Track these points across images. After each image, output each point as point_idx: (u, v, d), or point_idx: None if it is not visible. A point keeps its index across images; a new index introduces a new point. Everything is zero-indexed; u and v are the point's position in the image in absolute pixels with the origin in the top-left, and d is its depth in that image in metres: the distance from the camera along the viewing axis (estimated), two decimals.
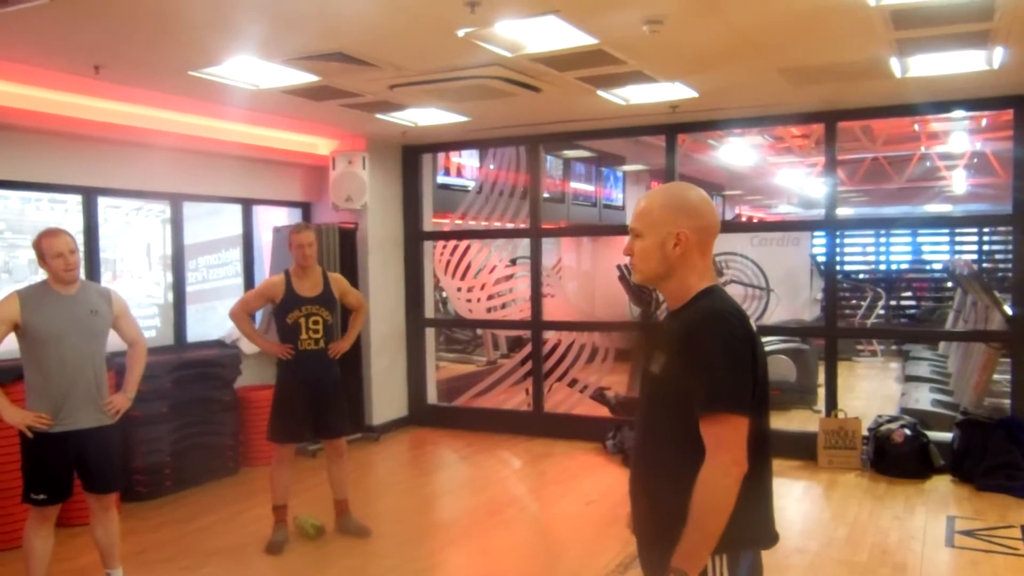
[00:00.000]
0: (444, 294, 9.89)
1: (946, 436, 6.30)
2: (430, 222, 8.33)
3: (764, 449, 1.91)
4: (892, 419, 6.47)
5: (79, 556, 4.56)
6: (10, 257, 5.56)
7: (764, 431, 1.91)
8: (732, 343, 1.85)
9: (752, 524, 1.91)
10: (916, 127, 11.94)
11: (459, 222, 8.80)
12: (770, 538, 1.98)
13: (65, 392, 3.70)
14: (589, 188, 13.76)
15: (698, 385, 1.83)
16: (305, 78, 4.98)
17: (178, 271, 6.69)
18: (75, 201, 5.90)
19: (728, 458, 1.78)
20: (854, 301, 14.98)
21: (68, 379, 3.71)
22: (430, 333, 8.35)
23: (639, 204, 2.04)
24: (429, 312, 8.34)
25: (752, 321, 1.96)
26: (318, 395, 4.82)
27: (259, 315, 6.07)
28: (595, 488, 6.05)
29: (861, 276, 16.91)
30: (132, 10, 3.72)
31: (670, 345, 1.95)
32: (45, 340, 3.66)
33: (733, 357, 1.84)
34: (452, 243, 8.61)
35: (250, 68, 4.77)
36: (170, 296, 6.68)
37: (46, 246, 3.71)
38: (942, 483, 5.98)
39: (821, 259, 12.52)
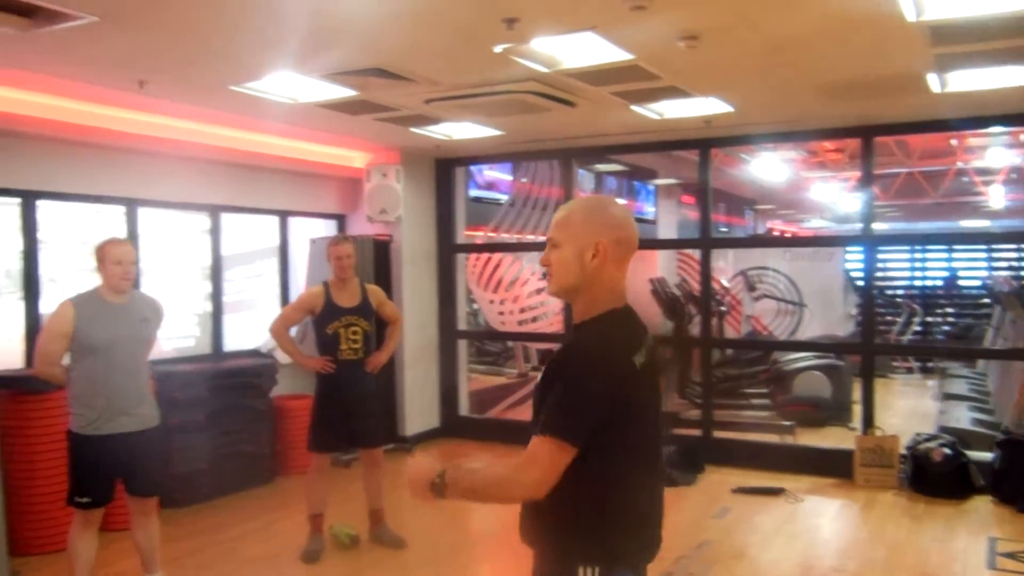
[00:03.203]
0: (476, 306, 9.93)
1: (986, 456, 6.18)
2: (463, 235, 8.38)
3: (626, 476, 1.89)
4: (930, 437, 6.37)
5: (120, 560, 4.64)
6: (56, 266, 5.69)
7: (628, 460, 1.88)
8: (588, 379, 1.83)
9: (615, 542, 1.90)
10: (953, 142, 11.80)
11: (492, 235, 8.84)
12: (650, 553, 2.00)
13: (112, 399, 3.77)
14: (621, 202, 13.74)
15: (548, 408, 1.84)
16: (343, 92, 5.06)
17: (216, 281, 6.79)
18: (118, 212, 6.02)
19: (534, 478, 1.81)
20: (889, 317, 14.79)
21: (116, 386, 3.78)
22: (462, 345, 8.38)
23: (559, 214, 2.00)
24: (461, 324, 8.38)
25: (646, 354, 1.94)
26: (356, 405, 4.87)
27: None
28: None
29: (897, 292, 16.68)
30: (177, 27, 3.82)
31: (548, 363, 1.96)
32: (97, 348, 3.73)
33: (583, 387, 1.83)
34: (485, 256, 8.65)
35: (289, 83, 4.85)
36: (208, 306, 6.78)
37: (109, 252, 3.80)
38: (982, 504, 5.88)
39: (855, 274, 12.41)
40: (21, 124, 5.10)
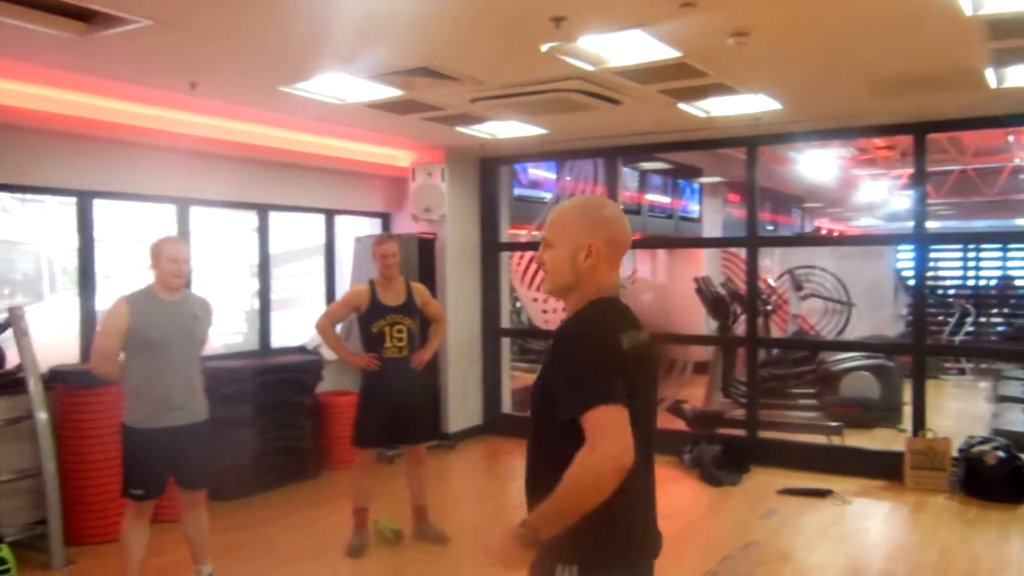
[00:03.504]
0: (519, 304, 9.94)
1: None
2: (507, 233, 8.39)
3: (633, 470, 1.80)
4: (984, 440, 6.23)
5: (171, 551, 4.74)
6: (110, 263, 5.83)
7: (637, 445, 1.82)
8: (594, 352, 1.83)
9: (626, 539, 1.89)
10: (1010, 138, 11.50)
11: (536, 233, 8.84)
12: (636, 554, 1.96)
13: (166, 394, 3.86)
14: (666, 200, 13.65)
15: (564, 395, 1.81)
16: (389, 92, 5.10)
17: (264, 279, 6.90)
18: (169, 211, 6.15)
19: (610, 447, 1.71)
20: (940, 317, 14.47)
21: (169, 381, 3.87)
22: (505, 343, 8.40)
23: (553, 214, 2.03)
24: (505, 322, 8.40)
25: (635, 336, 1.92)
26: (401, 401, 4.91)
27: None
28: (672, 502, 5.98)
29: (949, 291, 16.32)
30: (229, 30, 3.88)
31: (545, 357, 1.96)
32: (151, 344, 3.82)
33: (596, 365, 1.81)
34: (529, 254, 8.65)
35: (337, 83, 4.90)
36: (256, 303, 6.89)
37: (164, 250, 3.89)
38: None
39: (906, 273, 12.17)
40: (77, 126, 5.23)
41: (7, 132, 5.02)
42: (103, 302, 5.60)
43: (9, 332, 4.79)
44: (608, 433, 1.73)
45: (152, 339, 3.82)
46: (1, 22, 3.57)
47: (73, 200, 5.56)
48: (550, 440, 1.93)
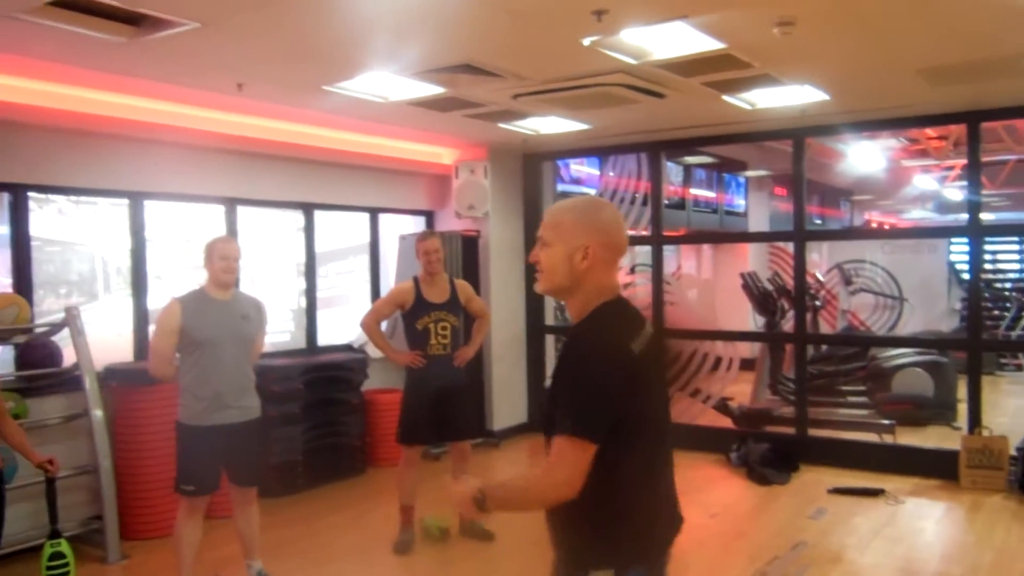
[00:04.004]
0: (563, 301, 9.91)
1: None
2: None
3: (640, 464, 1.90)
4: None
5: (222, 546, 4.82)
6: (161, 263, 5.95)
7: (639, 457, 1.89)
8: (594, 367, 1.84)
9: (626, 541, 1.89)
10: None
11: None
12: (666, 542, 2.01)
13: (218, 391, 3.94)
14: (710, 194, 13.49)
15: (560, 406, 1.85)
16: (432, 90, 5.12)
17: (310, 277, 6.98)
18: (218, 211, 6.24)
19: (562, 476, 1.81)
20: (996, 312, 14.08)
21: (222, 378, 3.95)
22: (550, 340, 8.38)
23: (550, 214, 2.02)
24: (549, 319, 8.38)
25: (644, 337, 1.95)
26: (446, 398, 4.92)
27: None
28: (719, 501, 5.92)
29: (1006, 285, 15.87)
30: (274, 30, 3.92)
31: (555, 365, 1.98)
32: (203, 342, 3.91)
33: (591, 382, 1.83)
34: None
35: (380, 82, 4.93)
36: (303, 301, 6.97)
37: (217, 248, 4.00)
38: None
39: (960, 267, 11.88)
40: (128, 129, 5.35)
41: (62, 136, 5.15)
42: (155, 302, 5.72)
43: (65, 331, 4.92)
44: (562, 465, 1.82)
45: (203, 337, 3.90)
46: (53, 27, 3.66)
47: (125, 202, 5.68)
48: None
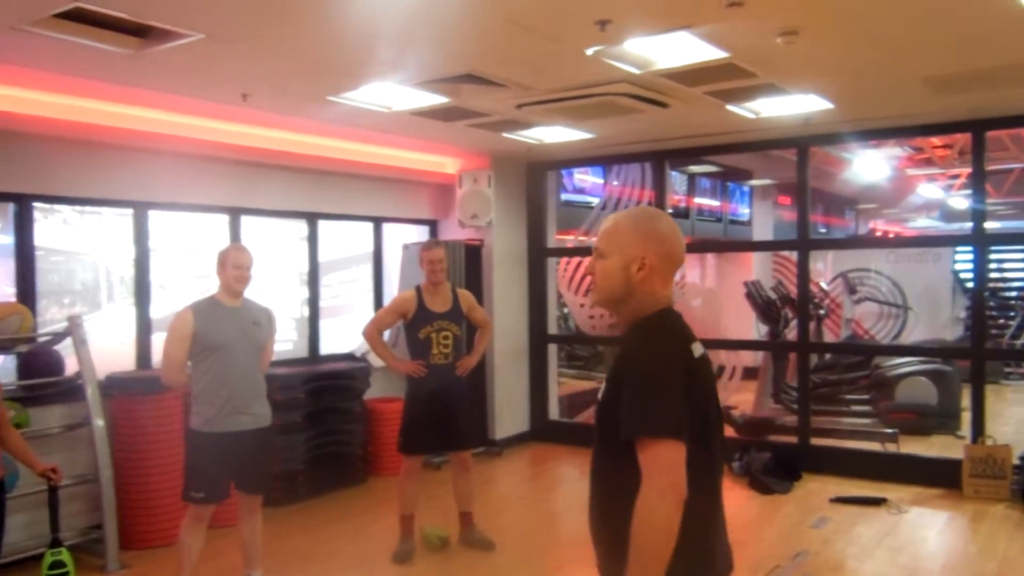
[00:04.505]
0: (566, 310, 9.91)
1: None
2: (554, 239, 8.37)
3: (707, 479, 1.83)
4: None
5: (222, 556, 4.81)
6: (165, 273, 5.96)
7: (707, 461, 1.84)
8: (662, 369, 1.79)
9: (689, 559, 1.76)
10: None
11: (583, 238, 8.80)
12: (719, 571, 1.92)
13: (231, 397, 3.96)
14: (715, 203, 13.50)
15: (627, 411, 1.77)
16: (435, 100, 5.13)
17: (313, 287, 6.98)
18: (222, 221, 6.25)
19: (664, 482, 1.70)
20: (1001, 320, 14.04)
21: (233, 385, 3.97)
22: (552, 349, 8.38)
23: (606, 224, 1.98)
24: (552, 328, 8.37)
25: (699, 347, 1.91)
26: (447, 408, 4.92)
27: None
28: None
29: (1011, 294, 15.83)
30: (279, 41, 3.94)
31: (611, 370, 1.91)
32: (215, 348, 3.94)
33: (662, 383, 1.77)
34: (576, 259, 8.63)
35: (384, 92, 4.94)
36: (306, 311, 6.98)
37: (231, 256, 4.05)
38: None
39: (965, 276, 11.86)
40: (133, 139, 5.37)
41: (66, 146, 5.16)
42: (158, 311, 5.73)
43: (68, 340, 4.93)
44: (662, 470, 1.71)
45: (215, 343, 3.94)
46: (58, 39, 3.67)
47: (130, 211, 5.70)
48: (610, 460, 1.89)
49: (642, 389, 1.78)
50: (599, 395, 1.95)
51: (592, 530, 1.97)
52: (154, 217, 5.81)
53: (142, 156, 5.55)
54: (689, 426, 1.76)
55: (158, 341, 5.54)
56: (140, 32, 3.75)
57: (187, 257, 6.14)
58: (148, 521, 5.09)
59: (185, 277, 6.08)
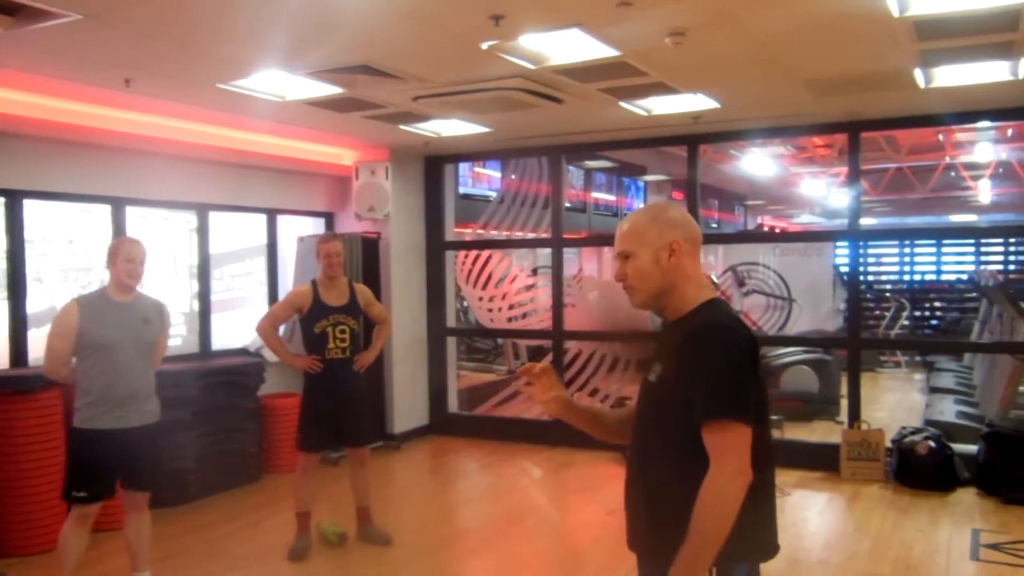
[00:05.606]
0: (465, 303, 9.93)
1: (971, 448, 6.24)
2: (452, 232, 8.37)
3: (765, 460, 1.89)
4: (916, 431, 6.42)
5: (108, 560, 4.63)
6: (41, 265, 5.66)
7: (765, 443, 1.91)
8: (735, 353, 1.85)
9: (747, 536, 1.86)
10: (941, 137, 11.86)
11: (481, 232, 8.84)
12: (768, 550, 2.01)
13: (115, 394, 3.80)
14: (611, 198, 13.78)
15: (701, 394, 1.83)
16: (329, 90, 5.05)
17: (204, 280, 6.77)
18: (104, 211, 5.99)
19: (734, 466, 1.78)
20: (877, 312, 14.87)
21: (120, 382, 3.82)
22: (451, 342, 8.39)
23: (622, 227, 2.04)
24: (451, 321, 8.38)
25: (754, 334, 1.97)
26: (344, 403, 4.87)
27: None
28: (616, 498, 5.98)
29: (885, 287, 16.78)
30: (162, 24, 3.80)
31: (669, 355, 1.96)
32: (100, 346, 3.77)
33: (736, 366, 1.84)
34: (474, 253, 8.66)
35: (276, 81, 4.84)
36: (196, 305, 6.76)
37: (122, 249, 3.88)
38: (967, 496, 5.93)
39: (844, 269, 12.48)
40: (7, 123, 5.07)
41: None
42: (34, 305, 5.45)
43: None
44: (732, 454, 1.78)
45: (100, 341, 3.77)
46: None
47: (2, 200, 5.39)
48: (660, 441, 1.95)
49: (719, 373, 1.83)
50: (651, 377, 2.00)
51: (632, 508, 2.07)
52: (30, 207, 5.51)
53: (18, 142, 5.25)
54: (756, 406, 1.84)
55: (36, 337, 5.28)
56: (10, 10, 3.55)
57: (66, 249, 5.85)
58: (28, 526, 4.83)
59: (64, 270, 5.79)
